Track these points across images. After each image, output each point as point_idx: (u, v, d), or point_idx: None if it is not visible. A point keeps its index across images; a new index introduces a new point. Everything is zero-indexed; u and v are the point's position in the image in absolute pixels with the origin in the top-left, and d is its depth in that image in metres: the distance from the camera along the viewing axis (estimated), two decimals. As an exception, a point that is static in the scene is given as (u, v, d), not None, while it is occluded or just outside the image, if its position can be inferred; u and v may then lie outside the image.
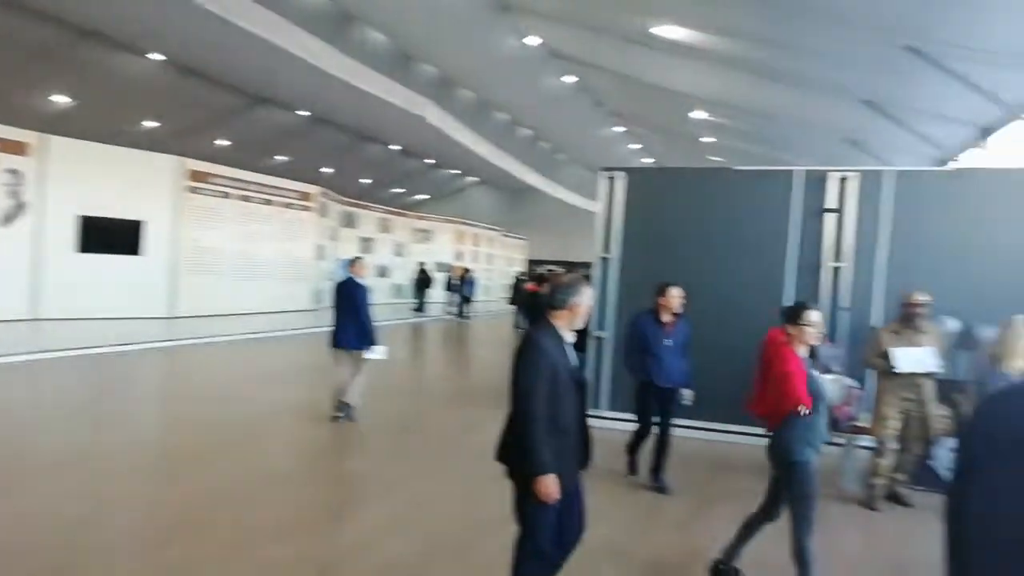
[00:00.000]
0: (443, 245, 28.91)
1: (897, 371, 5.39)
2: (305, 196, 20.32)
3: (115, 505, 4.80)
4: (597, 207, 8.40)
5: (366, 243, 24.98)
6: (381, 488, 5.38)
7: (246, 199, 18.27)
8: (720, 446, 7.19)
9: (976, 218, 6.99)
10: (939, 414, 5.44)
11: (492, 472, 5.98)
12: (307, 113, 28.39)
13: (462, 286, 22.99)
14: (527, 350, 3.11)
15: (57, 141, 14.61)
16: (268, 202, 18.99)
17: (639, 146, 35.28)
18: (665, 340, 5.72)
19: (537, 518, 3.10)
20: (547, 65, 23.32)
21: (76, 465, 5.55)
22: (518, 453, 3.06)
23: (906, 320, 5.63)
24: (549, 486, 2.97)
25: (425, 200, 45.89)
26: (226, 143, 29.37)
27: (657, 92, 22.23)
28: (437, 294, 24.89)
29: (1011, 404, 1.72)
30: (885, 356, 5.51)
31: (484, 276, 31.89)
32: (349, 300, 7.54)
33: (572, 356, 3.21)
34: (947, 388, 5.57)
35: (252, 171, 19.36)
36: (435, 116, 17.17)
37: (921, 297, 5.63)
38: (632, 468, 5.97)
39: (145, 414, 8.00)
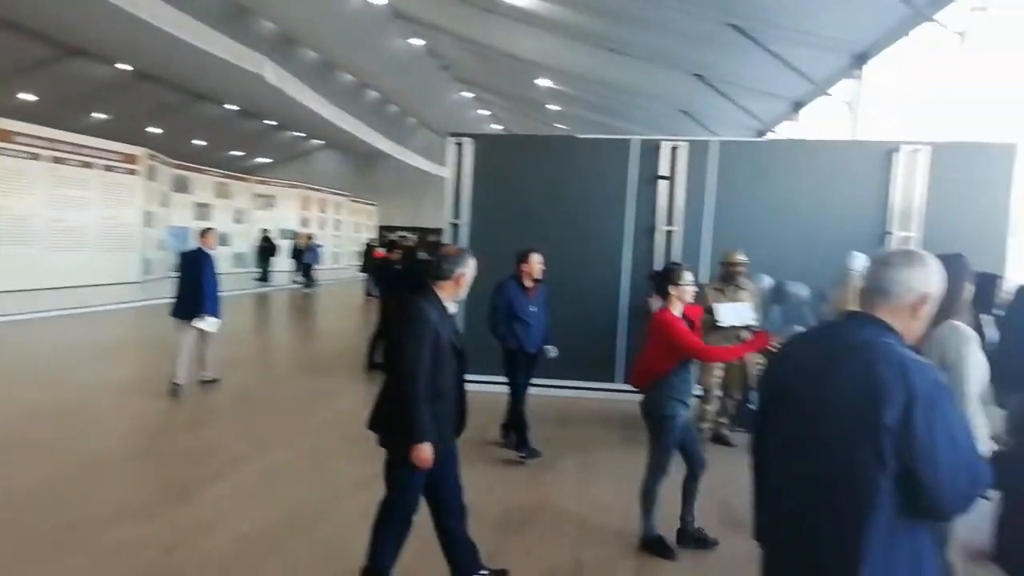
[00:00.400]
0: (288, 211, 27.69)
1: (721, 324, 5.90)
2: (130, 158, 18.64)
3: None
4: (447, 173, 8.42)
5: (202, 209, 23.43)
6: (228, 463, 5.18)
7: (59, 161, 16.49)
8: (565, 401, 7.54)
9: (786, 185, 7.73)
10: (756, 362, 6.04)
11: (341, 442, 5.96)
12: (128, 67, 25.92)
13: (304, 253, 22.17)
14: (411, 320, 3.10)
15: None
16: (87, 165, 17.26)
17: (487, 112, 35.46)
18: (530, 306, 5.77)
19: (408, 483, 3.18)
20: (393, 26, 22.73)
21: None
22: (397, 420, 3.06)
23: (727, 278, 6.17)
24: (425, 453, 3.03)
25: (267, 164, 43.59)
26: (32, 98, 26.26)
27: (503, 59, 22.37)
28: (282, 262, 23.91)
29: (785, 354, 1.98)
30: (710, 311, 6.00)
31: (333, 243, 31.03)
32: (195, 270, 7.45)
33: (453, 325, 3.24)
34: (762, 338, 6.19)
35: (66, 130, 17.45)
36: (274, 75, 16.26)
37: (740, 257, 6.18)
38: (521, 442, 5.75)
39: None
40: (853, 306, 1.74)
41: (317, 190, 30.74)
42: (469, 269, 3.25)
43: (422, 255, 8.65)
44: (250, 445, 5.69)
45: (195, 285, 7.38)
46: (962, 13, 9.48)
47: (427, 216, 43.39)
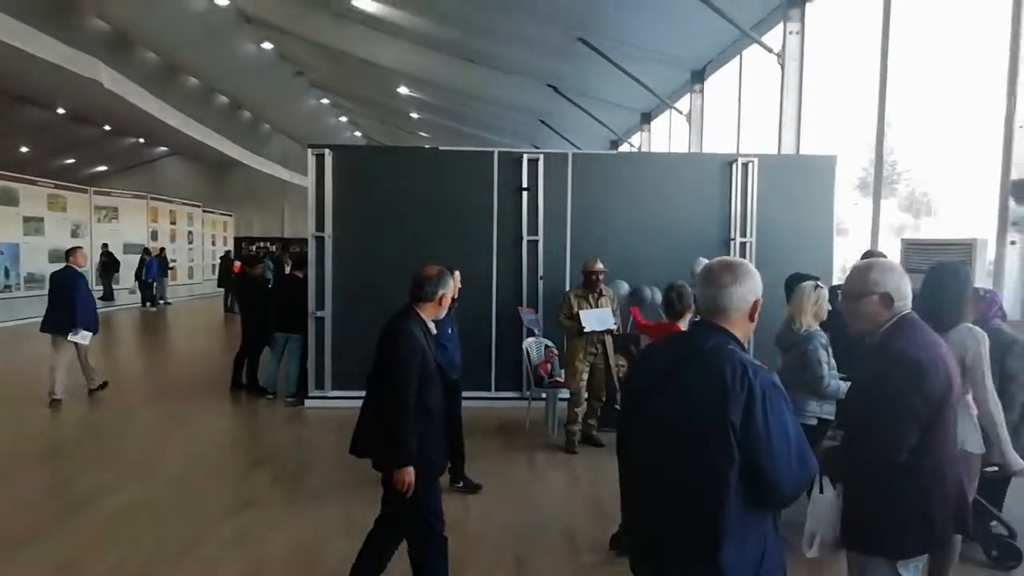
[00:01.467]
0: (134, 224, 25.78)
1: (585, 330, 6.22)
2: (-58, 168, 16.70)
3: None
4: (307, 182, 8.26)
5: (32, 223, 21.35)
6: (86, 498, 4.84)
7: None
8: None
9: (638, 194, 8.22)
10: (620, 365, 6.41)
11: (210, 468, 5.72)
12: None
13: (140, 269, 20.76)
14: (399, 342, 3.05)
15: None
16: None
17: (346, 119, 34.80)
18: (448, 328, 5.30)
19: (429, 501, 3.14)
20: (241, 29, 21.77)
21: None
22: (388, 443, 3.03)
23: (589, 286, 6.50)
24: (409, 476, 3.00)
25: (104, 172, 40.34)
26: None
27: (360, 65, 21.99)
28: (127, 279, 22.28)
29: (644, 358, 2.22)
30: (574, 318, 6.31)
31: (187, 256, 29.31)
32: (66, 288, 8.11)
33: (434, 346, 3.23)
34: (624, 341, 6.58)
35: None
36: (111, 80, 15.13)
37: (598, 265, 6.53)
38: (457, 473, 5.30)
39: None
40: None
41: (167, 201, 28.85)
42: (450, 288, 3.29)
43: (295, 272, 8.39)
44: (104, 479, 5.33)
45: (67, 301, 7.97)
46: (780, 36, 10.50)
47: (288, 226, 41.95)
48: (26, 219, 21.38)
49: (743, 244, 8.18)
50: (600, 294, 6.48)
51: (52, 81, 21.58)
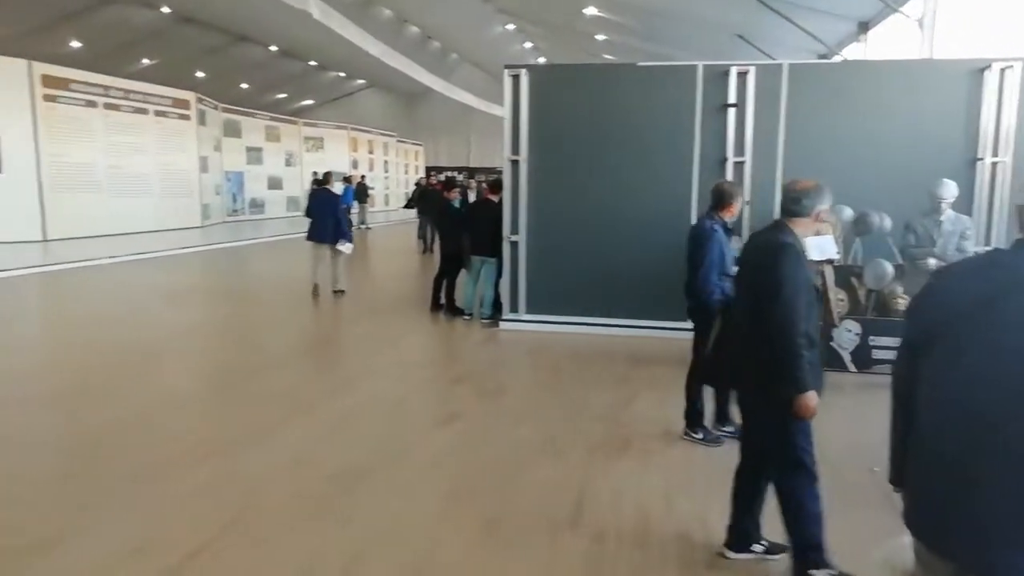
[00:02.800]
0: (337, 154, 27.67)
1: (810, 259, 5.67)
2: (182, 103, 18.76)
3: (13, 438, 4.47)
4: (494, 108, 8.21)
5: (253, 153, 23.58)
6: (304, 404, 5.26)
7: (114, 108, 16.67)
8: (635, 340, 7.45)
9: (863, 109, 7.30)
10: (838, 298, 5.82)
11: (415, 382, 6.01)
12: (168, 10, 25.82)
13: (344, 196, 22.06)
14: (783, 258, 2.77)
15: None
16: (141, 111, 17.43)
17: (531, 45, 34.51)
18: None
19: (803, 437, 2.87)
20: (433, -43, 22.09)
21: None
22: (771, 372, 2.78)
23: (807, 210, 5.89)
24: (812, 401, 2.76)
25: (310, 105, 43.51)
26: (79, 45, 26.47)
27: (549, -14, 21.57)
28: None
29: (938, 287, 1.82)
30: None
31: (382, 185, 31.05)
32: (327, 205, 9.80)
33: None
34: (845, 273, 5.95)
35: (116, 76, 17.58)
36: (319, 12, 15.97)
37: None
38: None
39: (34, 342, 7.41)
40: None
41: (364, 131, 30.58)
42: (827, 204, 2.97)
43: (490, 197, 8.48)
44: (323, 386, 5.77)
45: (329, 217, 9.67)
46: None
47: (474, 155, 43.07)
48: (248, 149, 23.61)
49: (994, 164, 7.03)
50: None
51: (268, 17, 23.36)
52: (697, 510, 3.59)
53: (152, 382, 5.88)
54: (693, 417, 4.62)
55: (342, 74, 40.09)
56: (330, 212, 9.72)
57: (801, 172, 6.69)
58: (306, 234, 9.92)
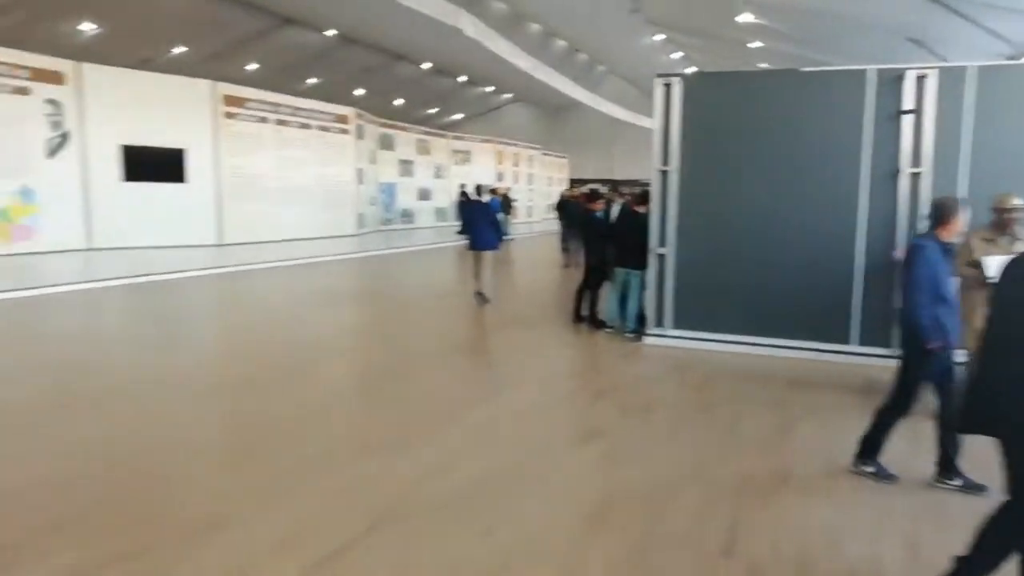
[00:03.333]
0: (483, 166, 28.41)
1: (991, 280, 5.06)
2: (342, 119, 19.98)
3: (188, 425, 4.84)
4: (640, 120, 8.02)
5: (405, 165, 24.68)
6: (450, 409, 5.34)
7: (283, 123, 18.03)
8: (794, 362, 6.99)
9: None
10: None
11: (559, 395, 5.95)
12: (334, 32, 27.65)
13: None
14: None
15: (91, 69, 14.45)
16: (306, 126, 18.72)
17: (680, 55, 33.80)
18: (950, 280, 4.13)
19: None
20: (583, -30, 22.18)
21: (141, 390, 5.61)
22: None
23: (999, 227, 5.25)
24: None
25: (459, 120, 45.04)
26: (255, 67, 28.91)
27: (702, -5, 21.03)
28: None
29: None
30: (977, 265, 5.17)
31: (526, 197, 31.49)
32: (482, 215, 10.57)
33: None
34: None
35: (285, 95, 19.01)
36: (472, 28, 16.47)
37: (1016, 201, 5.22)
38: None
39: (205, 339, 8.08)
40: None
41: (510, 144, 31.20)
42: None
43: (636, 208, 8.32)
44: (468, 393, 5.83)
45: (486, 225, 10.36)
46: None
47: (619, 167, 42.80)
48: (401, 162, 24.74)
49: None
50: (1015, 238, 5.21)
51: (423, 36, 24.45)
52: (868, 554, 3.24)
53: (310, 380, 6.20)
54: (945, 463, 4.03)
55: (490, 89, 41.20)
56: (486, 222, 10.39)
57: (989, 185, 6.03)
58: (468, 244, 10.53)
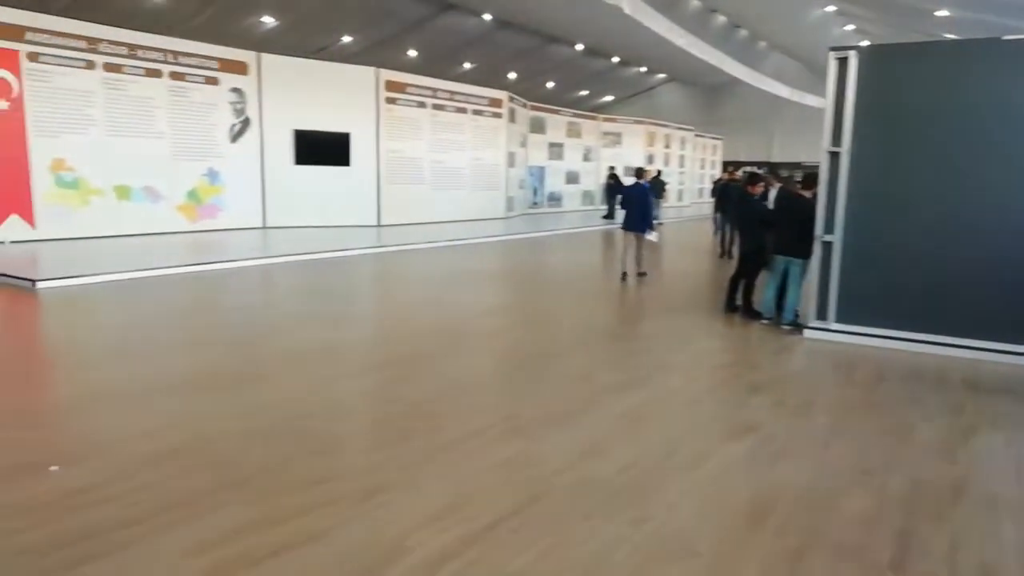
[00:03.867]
0: (633, 148, 27.93)
1: None
2: (496, 102, 20.31)
3: (344, 401, 5.13)
4: (806, 99, 7.46)
5: (555, 148, 24.74)
6: (600, 393, 5.29)
7: (440, 108, 18.61)
8: (972, 364, 6.32)
9: None
10: None
11: (708, 384, 5.73)
12: (490, 17, 28.10)
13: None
14: None
15: (269, 59, 15.60)
16: (461, 110, 19.22)
17: (853, 27, 31.33)
18: None
19: None
20: (749, -59, 21.02)
21: (308, 361, 6.01)
22: None
23: None
24: None
25: (610, 102, 44.48)
26: (415, 53, 30.00)
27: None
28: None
29: None
30: None
31: (676, 179, 30.66)
32: (646, 198, 10.81)
33: None
34: None
35: (442, 80, 19.59)
36: (630, 6, 16.13)
37: None
38: None
39: (364, 315, 8.54)
40: None
41: (663, 125, 30.43)
42: None
43: (802, 192, 7.82)
44: (616, 377, 5.75)
45: (639, 208, 10.62)
46: None
47: (777, 149, 40.58)
48: (550, 145, 24.83)
49: None
50: None
51: (580, 16, 24.31)
52: (1073, 588, 2.86)
53: (461, 359, 6.38)
54: None
55: (643, 69, 40.31)
56: (642, 204, 10.67)
57: None
58: (621, 224, 11.03)
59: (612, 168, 24.43)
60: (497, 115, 20.32)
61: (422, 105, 18.12)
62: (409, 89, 17.83)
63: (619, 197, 23.05)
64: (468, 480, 3.74)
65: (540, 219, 21.86)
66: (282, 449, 4.07)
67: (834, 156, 7.21)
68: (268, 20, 24.84)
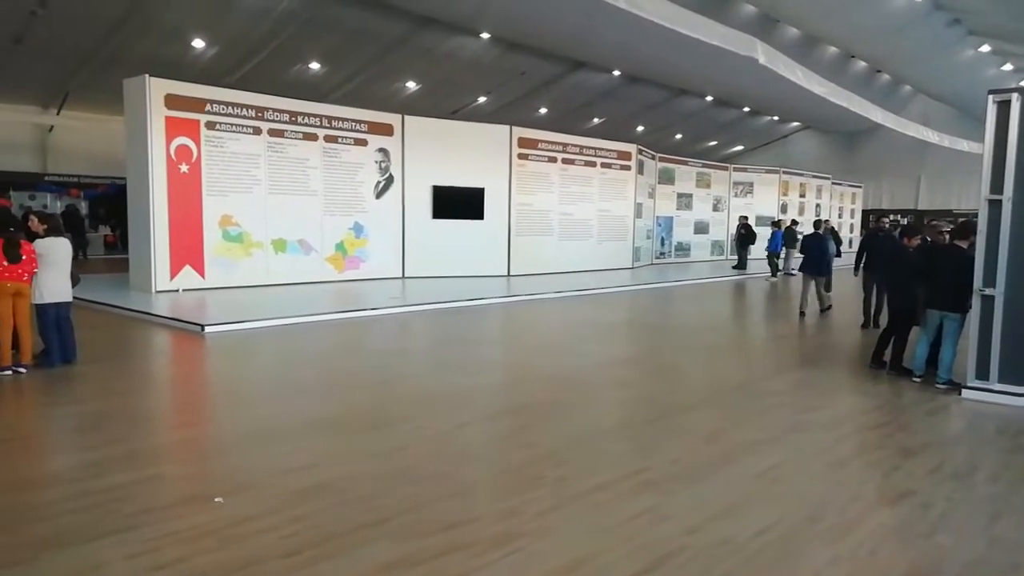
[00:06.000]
0: (766, 197, 27.14)
1: None
2: (624, 155, 20.50)
3: (476, 445, 5.27)
4: (958, 143, 7.04)
5: (683, 199, 24.49)
6: (736, 449, 5.13)
7: (569, 162, 19.02)
8: None
9: None
10: None
11: (853, 445, 5.41)
12: (619, 73, 28.56)
13: (770, 241, 20.91)
14: None
15: (412, 120, 16.61)
16: (590, 163, 19.55)
17: (1010, 68, 29.16)
18: None
19: None
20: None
21: (449, 405, 6.23)
22: None
23: None
24: None
25: (738, 152, 43.57)
26: (545, 111, 30.88)
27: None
28: (760, 250, 23.45)
29: None
30: None
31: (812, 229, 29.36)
32: (819, 246, 12.71)
33: None
34: None
35: (571, 135, 20.04)
36: (765, 56, 15.91)
37: None
38: None
39: (495, 362, 8.71)
40: None
41: (796, 174, 29.42)
42: None
43: (957, 242, 7.35)
44: (753, 434, 5.55)
45: (819, 254, 12.57)
46: None
47: (924, 196, 38.08)
48: (679, 195, 24.63)
49: None
50: None
51: (712, 68, 24.22)
52: None
53: (589, 408, 6.40)
54: None
55: (775, 118, 39.32)
56: (818, 250, 12.59)
57: None
58: (799, 267, 13.27)
59: (744, 218, 23.80)
60: (626, 167, 20.46)
61: (552, 160, 18.58)
62: (540, 145, 18.37)
63: (751, 248, 22.60)
64: (599, 533, 3.73)
65: (667, 269, 21.59)
66: (419, 491, 4.24)
67: (994, 204, 6.73)
68: (411, 84, 26.51)
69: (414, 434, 5.42)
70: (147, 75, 12.70)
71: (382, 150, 16.00)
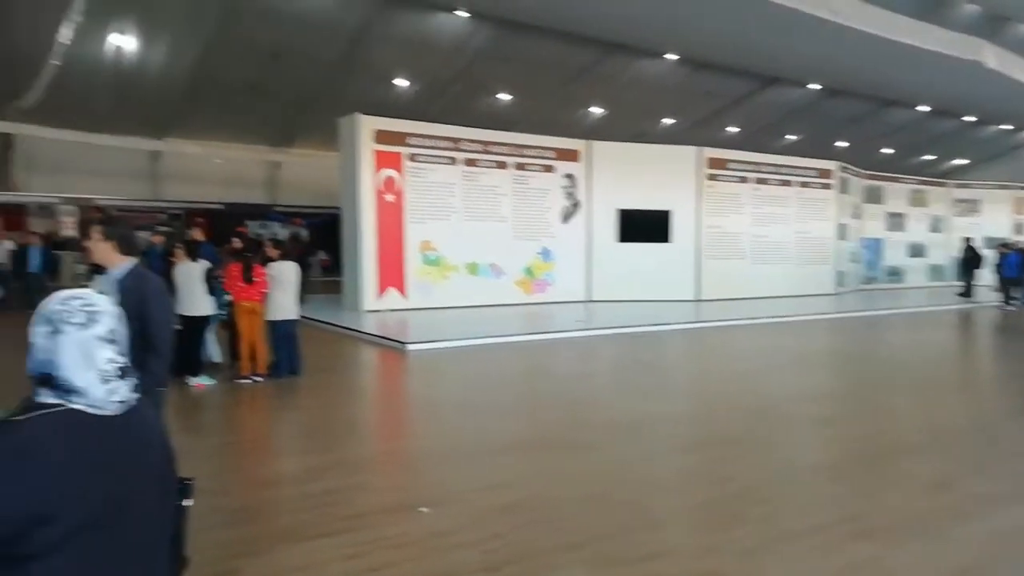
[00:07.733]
0: (995, 216, 24.11)
1: None
2: (824, 173, 19.24)
3: (666, 476, 5.11)
4: None
5: (895, 219, 22.45)
6: (969, 500, 4.55)
7: (762, 182, 18.18)
8: None
9: None
10: None
11: None
12: (818, 86, 26.91)
13: (1000, 265, 18.43)
14: None
15: (598, 145, 16.77)
16: (785, 183, 18.55)
17: None
18: None
19: None
20: None
21: (638, 432, 6.13)
22: None
23: None
24: None
25: (962, 166, 39.12)
26: (736, 129, 29.80)
27: None
28: (988, 275, 20.81)
29: None
30: None
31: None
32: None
33: None
34: None
35: (764, 153, 19.16)
36: (995, 59, 14.18)
37: None
38: None
39: (682, 390, 8.45)
40: None
41: (1034, 189, 25.90)
42: None
43: None
44: (990, 486, 4.88)
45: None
46: None
47: None
48: (889, 215, 22.61)
49: None
50: None
51: (928, 76, 22.14)
52: None
53: (790, 444, 6.00)
54: None
55: (1008, 127, 34.92)
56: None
57: None
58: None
59: (969, 239, 21.27)
60: (826, 186, 19.17)
61: (743, 180, 17.86)
62: (731, 165, 17.75)
63: (977, 273, 20.08)
64: (809, 581, 3.47)
65: (877, 296, 19.77)
66: (614, 517, 4.19)
67: None
68: (596, 110, 26.82)
69: (605, 460, 5.39)
70: (358, 113, 13.96)
71: (568, 175, 16.29)
